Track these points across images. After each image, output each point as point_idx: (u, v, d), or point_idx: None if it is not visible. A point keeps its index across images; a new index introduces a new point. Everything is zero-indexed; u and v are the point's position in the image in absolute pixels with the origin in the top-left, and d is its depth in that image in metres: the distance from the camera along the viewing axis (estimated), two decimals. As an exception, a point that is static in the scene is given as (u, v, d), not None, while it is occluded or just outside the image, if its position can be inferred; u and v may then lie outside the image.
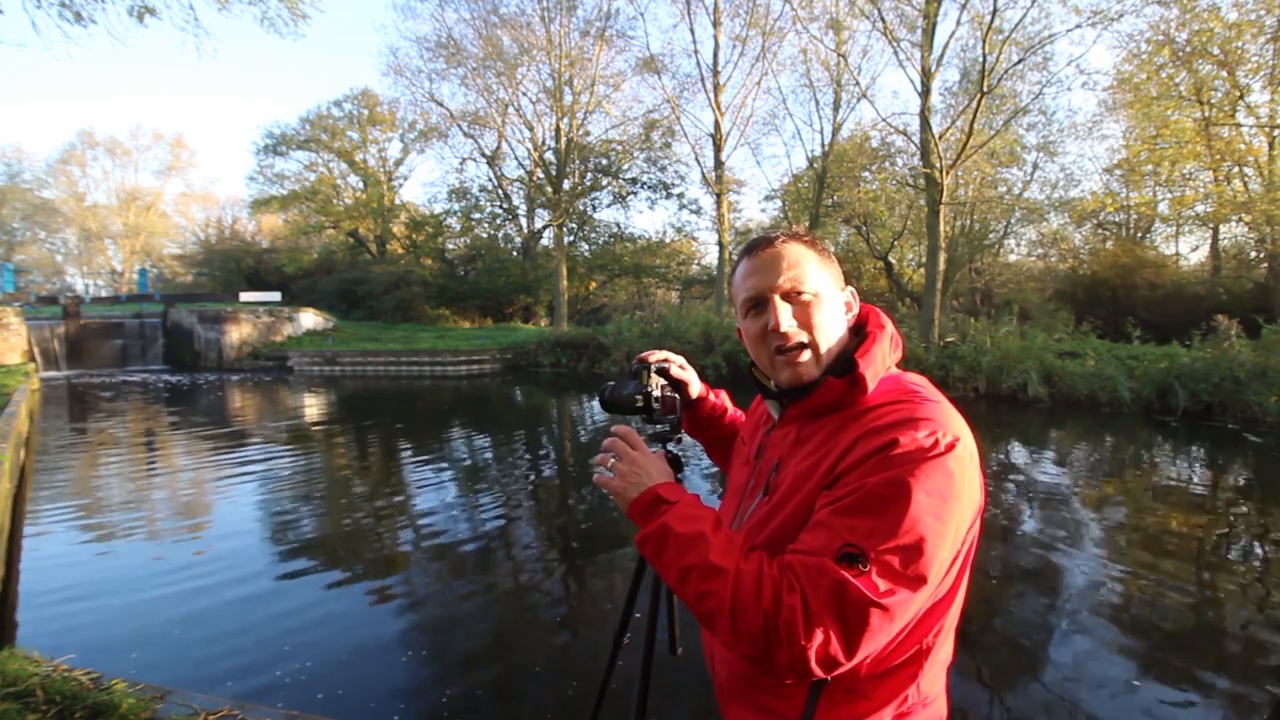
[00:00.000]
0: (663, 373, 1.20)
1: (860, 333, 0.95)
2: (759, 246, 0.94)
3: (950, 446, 0.78)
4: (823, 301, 0.91)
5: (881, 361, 0.90)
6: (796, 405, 0.93)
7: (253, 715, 2.13)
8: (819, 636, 0.71)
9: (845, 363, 0.90)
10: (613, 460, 0.94)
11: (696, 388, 1.27)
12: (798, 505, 0.85)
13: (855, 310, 0.97)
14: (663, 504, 0.86)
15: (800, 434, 0.92)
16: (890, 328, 0.95)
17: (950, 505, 0.76)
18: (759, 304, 0.92)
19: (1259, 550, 4.75)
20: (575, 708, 2.75)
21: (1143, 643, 3.34)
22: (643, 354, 1.20)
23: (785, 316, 0.89)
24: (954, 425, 0.81)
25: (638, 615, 1.14)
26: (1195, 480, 6.91)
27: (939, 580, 0.79)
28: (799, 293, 0.90)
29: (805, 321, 0.90)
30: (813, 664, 0.72)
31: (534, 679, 3.03)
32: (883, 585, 0.72)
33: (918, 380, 0.91)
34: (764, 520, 0.90)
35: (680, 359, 1.25)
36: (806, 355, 0.90)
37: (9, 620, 3.61)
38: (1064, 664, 3.10)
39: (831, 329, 0.91)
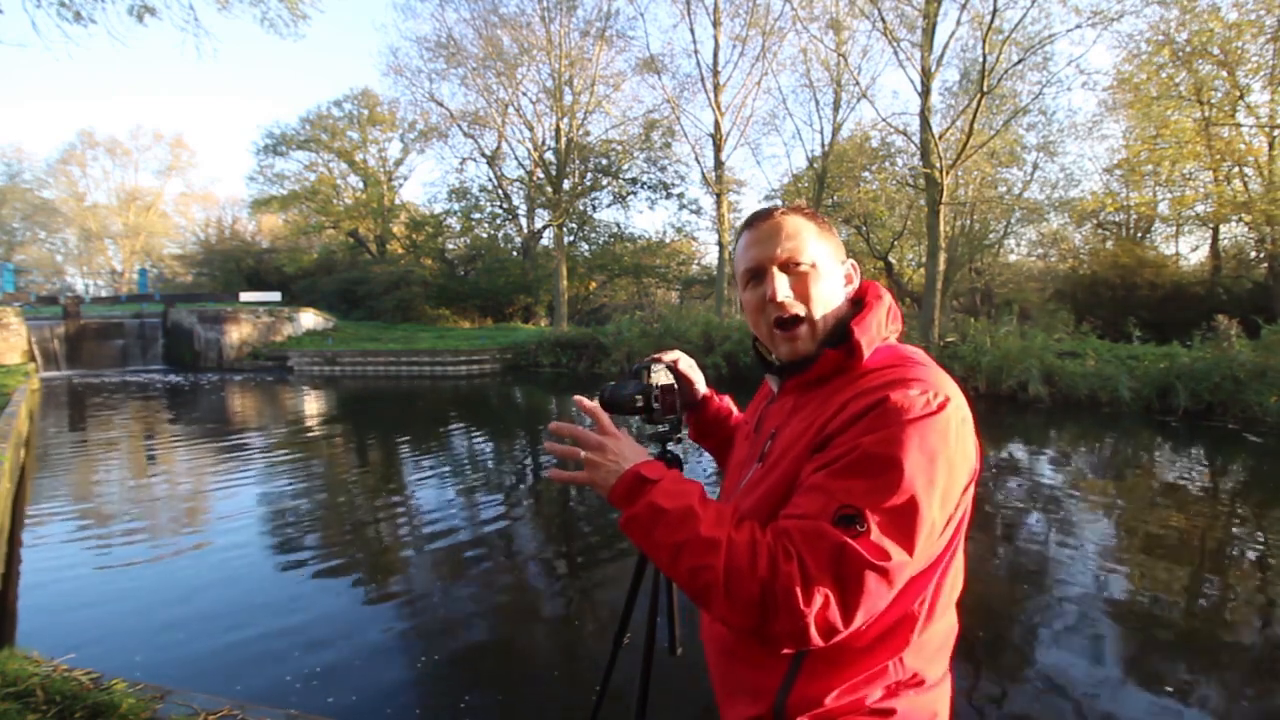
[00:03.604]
0: (672, 368, 1.20)
1: (859, 305, 0.96)
2: (759, 219, 0.94)
3: (941, 405, 0.78)
4: (820, 273, 0.91)
5: (877, 330, 0.90)
6: (794, 378, 0.94)
7: (253, 715, 2.13)
8: (818, 602, 0.70)
9: (841, 333, 0.90)
10: (582, 453, 0.87)
11: (703, 388, 1.28)
12: (787, 467, 0.85)
13: (856, 283, 0.98)
14: (646, 483, 0.82)
15: (797, 403, 0.93)
16: (889, 300, 0.96)
17: (943, 465, 0.75)
18: (758, 275, 0.93)
19: (1259, 550, 4.75)
20: (576, 708, 2.75)
21: (1144, 643, 3.34)
22: (657, 354, 1.20)
23: (782, 287, 0.90)
24: (945, 386, 0.81)
25: (655, 621, 1.14)
26: (1195, 480, 6.91)
27: (934, 541, 0.78)
28: (796, 264, 0.90)
29: (802, 293, 0.90)
30: (812, 631, 0.71)
31: (535, 679, 3.03)
32: (881, 547, 0.72)
33: (913, 350, 0.92)
34: (755, 485, 0.91)
35: (690, 360, 1.25)
36: (803, 329, 0.91)
37: (9, 620, 3.60)
38: (1065, 665, 3.09)
39: (828, 300, 0.92)
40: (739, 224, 1.01)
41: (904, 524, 0.73)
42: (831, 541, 0.71)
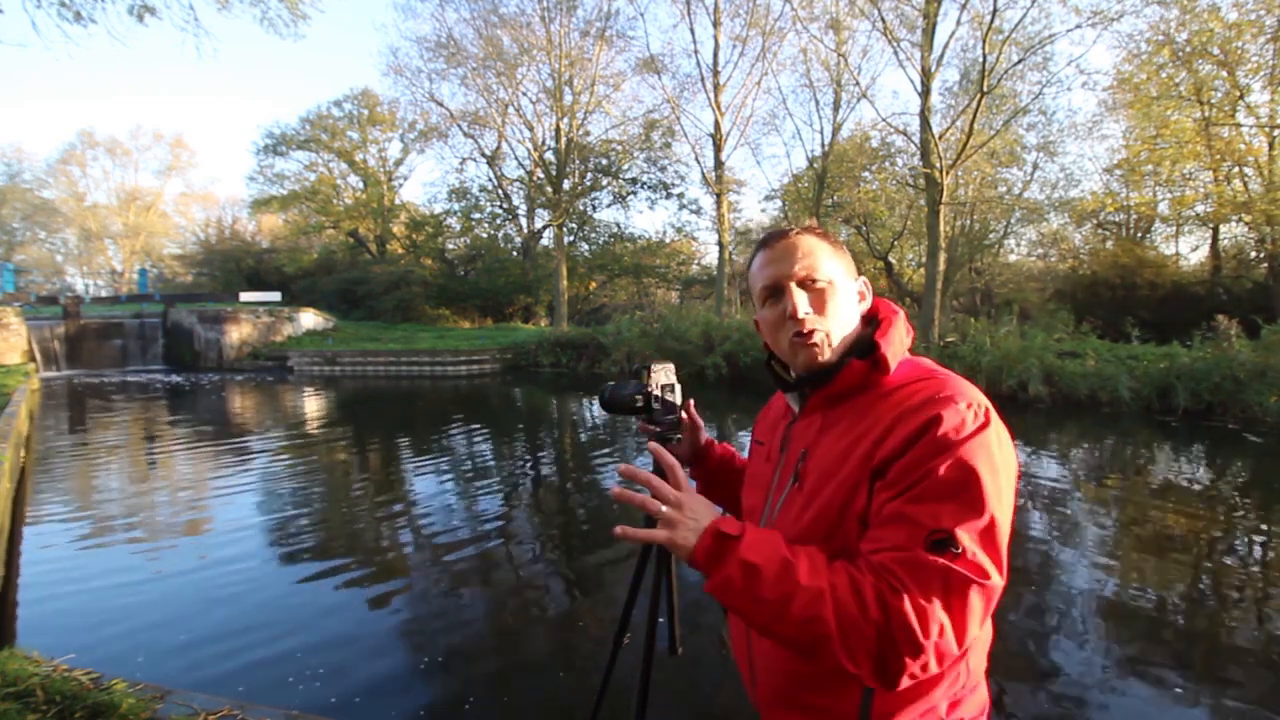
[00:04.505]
0: (676, 424, 1.18)
1: (873, 321, 0.98)
2: (774, 239, 0.97)
3: (987, 416, 0.81)
4: (836, 289, 0.93)
5: (900, 343, 0.93)
6: (819, 393, 0.94)
7: (253, 715, 2.13)
8: (935, 630, 0.71)
9: (865, 345, 0.92)
10: (662, 509, 0.82)
11: (704, 436, 1.27)
12: (835, 489, 0.85)
13: (869, 301, 1.00)
14: (729, 539, 0.78)
15: (825, 421, 0.93)
16: (902, 315, 0.98)
17: (1002, 474, 0.78)
18: (776, 292, 0.95)
19: (1259, 550, 4.75)
20: (576, 708, 2.75)
21: (1143, 644, 3.33)
22: (656, 364, 1.18)
23: (802, 303, 0.91)
24: (979, 395, 0.84)
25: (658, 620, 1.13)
26: (1195, 480, 6.91)
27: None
28: (813, 280, 0.92)
29: (820, 308, 0.92)
30: (932, 661, 0.71)
31: (536, 679, 3.03)
32: (980, 565, 0.73)
33: (931, 362, 0.94)
34: (800, 509, 0.90)
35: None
36: (821, 338, 0.92)
37: (9, 620, 3.60)
38: (1063, 665, 3.09)
39: (845, 315, 0.94)
40: (740, 250, 1.01)
41: (991, 538, 0.74)
42: (936, 568, 0.72)
